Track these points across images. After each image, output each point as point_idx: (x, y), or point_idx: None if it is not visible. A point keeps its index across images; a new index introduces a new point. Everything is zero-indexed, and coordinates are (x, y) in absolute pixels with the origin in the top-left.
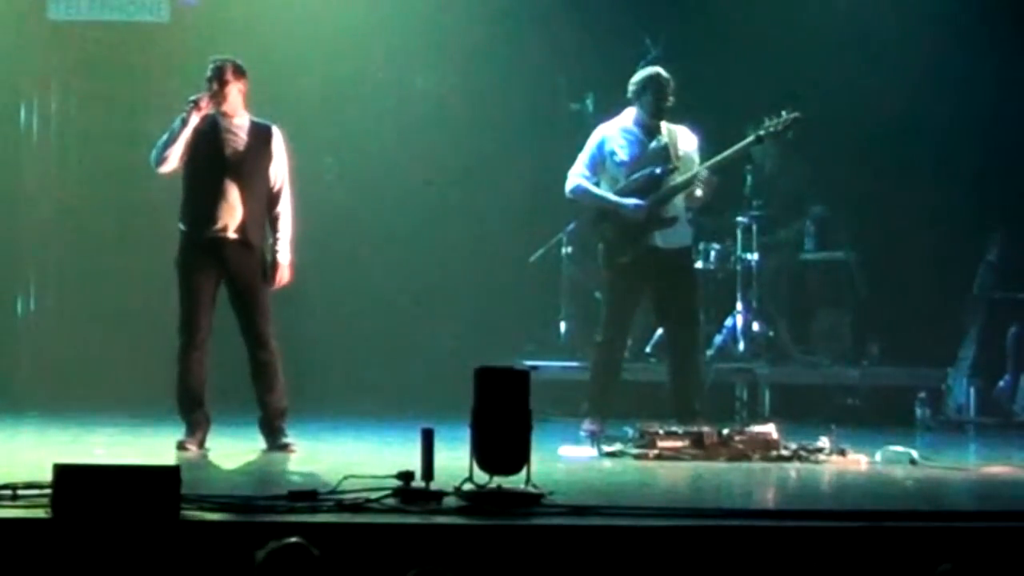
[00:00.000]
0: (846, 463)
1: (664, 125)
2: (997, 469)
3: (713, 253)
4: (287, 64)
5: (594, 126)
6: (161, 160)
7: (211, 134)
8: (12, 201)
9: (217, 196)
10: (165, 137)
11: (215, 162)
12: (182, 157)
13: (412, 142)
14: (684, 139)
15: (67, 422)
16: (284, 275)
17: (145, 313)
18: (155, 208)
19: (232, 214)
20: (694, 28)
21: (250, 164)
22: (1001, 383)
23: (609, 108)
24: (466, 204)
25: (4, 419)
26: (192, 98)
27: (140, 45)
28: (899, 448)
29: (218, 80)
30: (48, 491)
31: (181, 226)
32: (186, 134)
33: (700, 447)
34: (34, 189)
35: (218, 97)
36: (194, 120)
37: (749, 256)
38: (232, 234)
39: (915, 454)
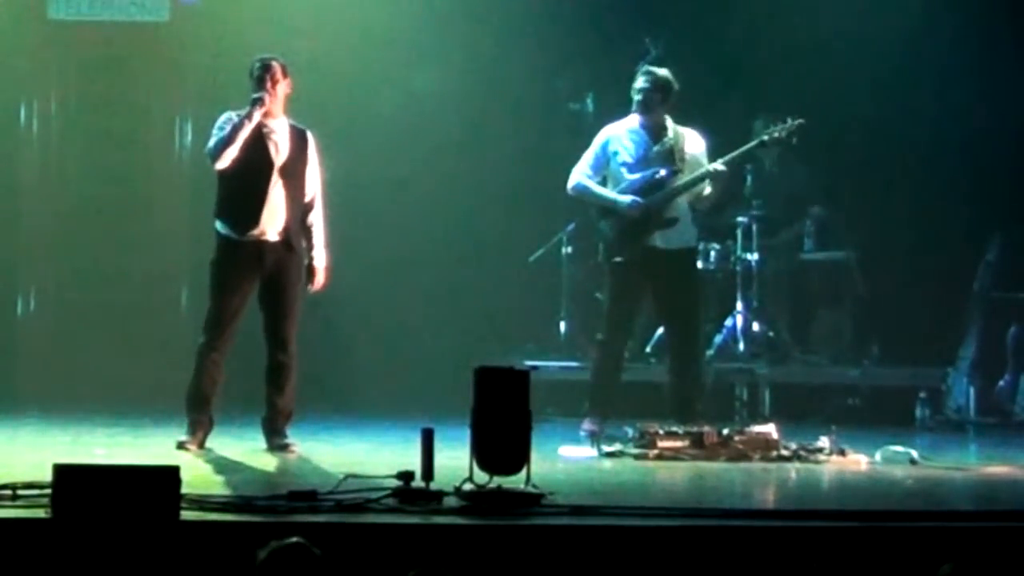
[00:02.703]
0: (846, 463)
1: (672, 127)
2: (997, 469)
3: (713, 253)
4: (287, 64)
5: (594, 126)
6: (220, 156)
7: (254, 134)
8: (12, 201)
9: (261, 199)
10: (226, 134)
11: (259, 164)
12: None
13: (412, 142)
14: (691, 142)
15: (67, 422)
16: (321, 279)
17: (145, 313)
18: (154, 208)
19: (275, 217)
20: (694, 28)
21: (292, 168)
22: (1001, 383)
23: (609, 108)
24: (466, 204)
25: (4, 419)
26: (256, 95)
27: (140, 45)
28: (899, 448)
29: (271, 79)
30: (48, 491)
31: (219, 227)
32: (246, 133)
33: (700, 447)
34: (34, 189)
35: (270, 97)
36: (256, 118)
37: (749, 256)
38: (274, 237)
39: (915, 454)
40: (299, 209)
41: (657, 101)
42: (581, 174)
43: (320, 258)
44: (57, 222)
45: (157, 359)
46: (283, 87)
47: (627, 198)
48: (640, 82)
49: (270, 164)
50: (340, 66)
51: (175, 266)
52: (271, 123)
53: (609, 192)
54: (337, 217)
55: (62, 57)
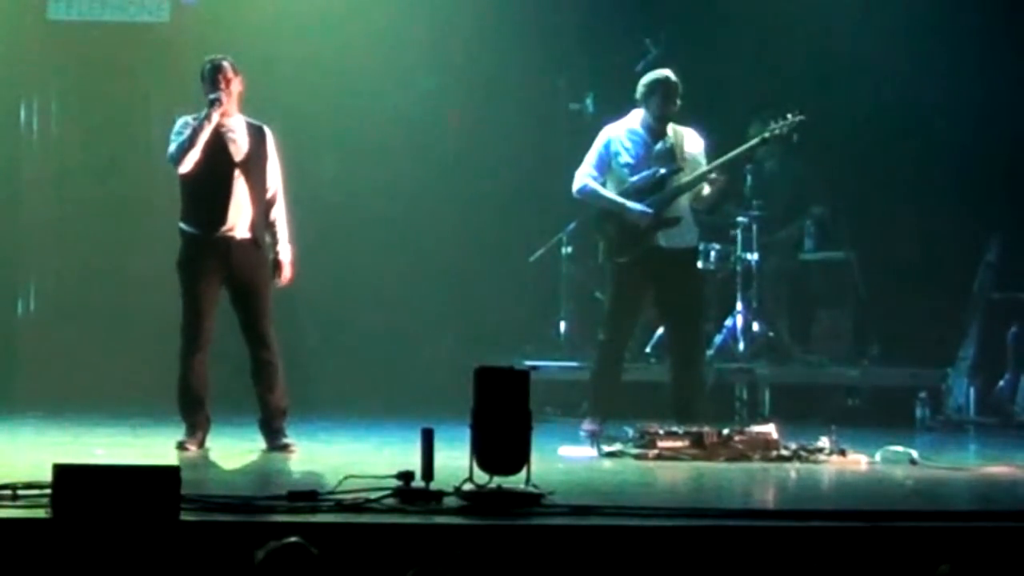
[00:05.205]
0: (846, 463)
1: (671, 127)
2: (997, 469)
3: (713, 253)
4: (287, 64)
5: (594, 126)
6: (182, 161)
7: (212, 134)
8: (12, 201)
9: (226, 197)
10: (186, 137)
11: (221, 163)
12: None
13: (412, 142)
14: (691, 141)
15: (67, 422)
16: (287, 272)
17: (144, 313)
18: (155, 208)
19: (241, 214)
20: (694, 28)
21: (253, 164)
22: (1001, 383)
23: (609, 108)
24: (466, 204)
25: (4, 419)
26: (212, 96)
27: (140, 45)
28: (899, 448)
29: (224, 79)
30: (48, 491)
31: (185, 227)
32: (206, 134)
33: (700, 447)
34: (34, 189)
35: (226, 96)
36: (215, 119)
37: (749, 256)
38: (241, 234)
39: (915, 454)
40: (263, 204)
41: (675, 104)
42: (586, 176)
43: (285, 252)
44: (57, 222)
45: (157, 359)
46: (236, 85)
47: (636, 206)
48: (664, 87)
49: (230, 162)
50: (340, 66)
51: (174, 266)
52: (227, 122)
53: (616, 197)
54: (337, 217)
55: (62, 57)
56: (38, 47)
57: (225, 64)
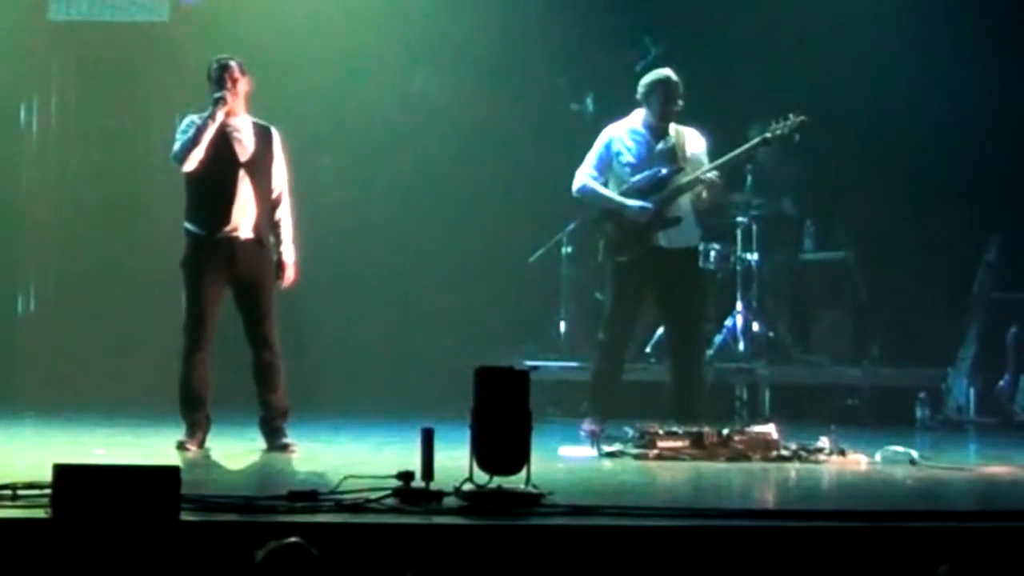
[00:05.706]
0: (846, 463)
1: (673, 127)
2: (997, 469)
3: (713, 253)
4: (287, 64)
5: (594, 126)
6: (186, 159)
7: (218, 134)
8: (12, 201)
9: (231, 196)
10: (190, 135)
11: (226, 162)
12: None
13: (411, 142)
14: (692, 141)
15: (67, 422)
16: (291, 274)
17: (144, 313)
18: (155, 208)
19: (245, 214)
20: (694, 28)
21: (259, 164)
22: (1001, 383)
23: (609, 108)
24: (466, 204)
25: (4, 419)
26: (217, 95)
27: (140, 45)
28: (899, 448)
29: (230, 78)
30: (48, 491)
31: (190, 227)
32: (211, 133)
33: (700, 447)
34: (34, 189)
35: (231, 95)
36: (220, 118)
37: (749, 256)
38: (245, 234)
39: (915, 454)
40: (267, 205)
41: (676, 103)
42: (586, 176)
43: (289, 253)
44: (57, 222)
45: (157, 359)
46: (243, 85)
47: (636, 203)
48: (665, 86)
49: (236, 162)
50: (340, 66)
51: (175, 266)
52: (234, 121)
53: (615, 196)
54: (337, 217)
55: (62, 57)
56: (38, 47)
57: (232, 64)
